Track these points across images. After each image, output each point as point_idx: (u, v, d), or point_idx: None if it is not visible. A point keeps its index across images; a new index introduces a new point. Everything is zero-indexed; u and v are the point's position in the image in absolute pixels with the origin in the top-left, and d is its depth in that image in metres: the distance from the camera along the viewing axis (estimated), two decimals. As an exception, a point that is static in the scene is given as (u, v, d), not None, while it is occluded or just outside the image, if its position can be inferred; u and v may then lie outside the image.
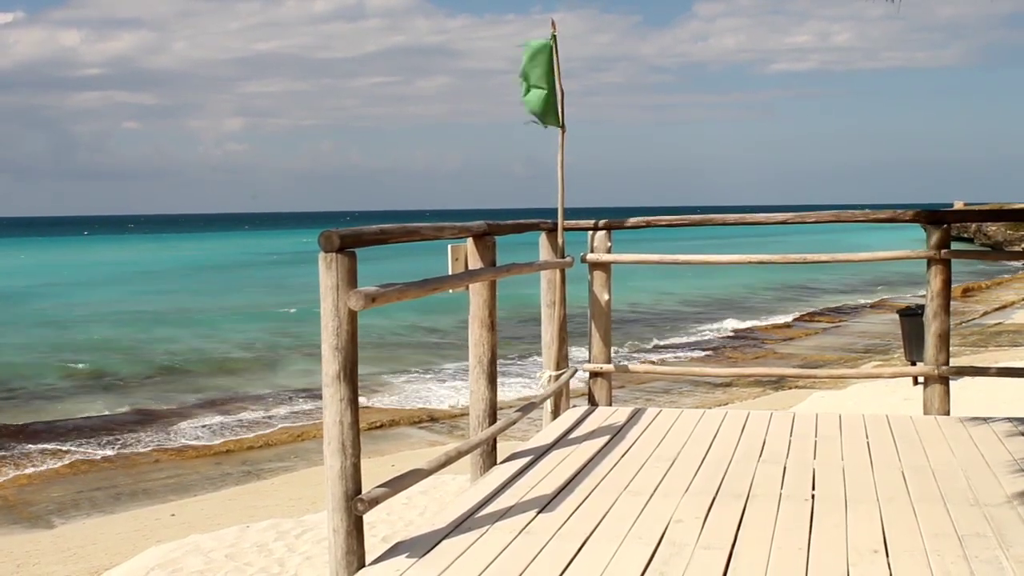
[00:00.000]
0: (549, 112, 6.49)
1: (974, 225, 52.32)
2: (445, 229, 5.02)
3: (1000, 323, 24.41)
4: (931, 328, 6.80)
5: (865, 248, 8.41)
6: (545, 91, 6.41)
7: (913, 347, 13.36)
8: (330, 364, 3.84)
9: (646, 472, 5.28)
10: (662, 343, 24.08)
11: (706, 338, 24.84)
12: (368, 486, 3.98)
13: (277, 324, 28.23)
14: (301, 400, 17.09)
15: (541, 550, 4.02)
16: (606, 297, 7.19)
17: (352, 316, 3.84)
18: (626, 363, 8.22)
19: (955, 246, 6.91)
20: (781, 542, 4.08)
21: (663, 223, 7.42)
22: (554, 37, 6.43)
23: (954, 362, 6.98)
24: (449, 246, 5.52)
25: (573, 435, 6.20)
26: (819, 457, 5.57)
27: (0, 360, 22.06)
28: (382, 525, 8.10)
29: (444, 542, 4.14)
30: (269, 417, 15.93)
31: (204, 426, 15.33)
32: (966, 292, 32.61)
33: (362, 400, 4.13)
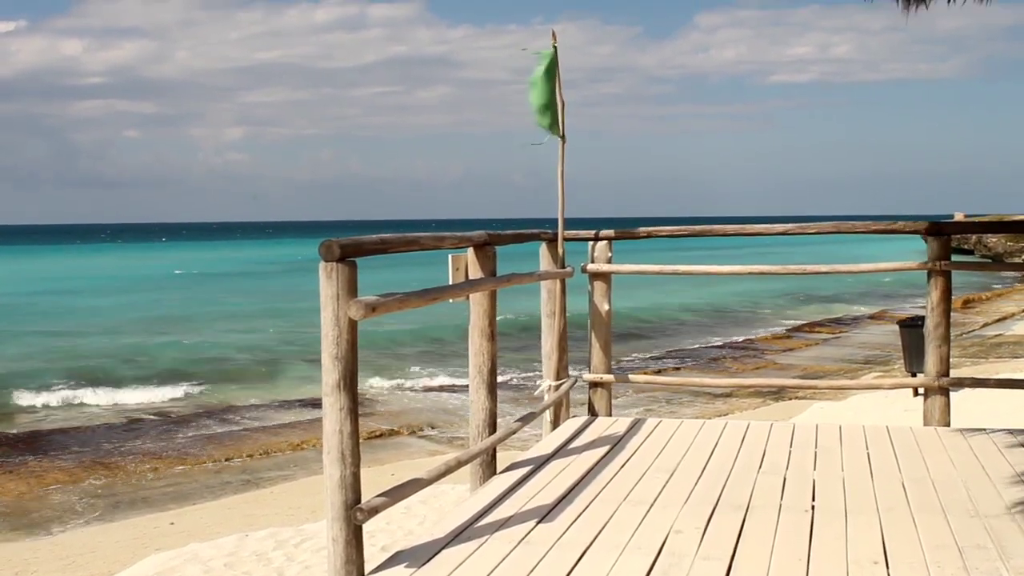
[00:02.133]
0: (547, 120, 6.50)
1: (974, 237, 52.33)
2: (445, 239, 5.03)
3: (1000, 335, 24.40)
4: (931, 339, 6.80)
5: (865, 259, 8.42)
6: (544, 100, 6.40)
7: (913, 358, 13.34)
8: (330, 373, 3.84)
9: (646, 482, 5.28)
10: (662, 353, 24.08)
11: (706, 348, 24.84)
12: (368, 495, 3.98)
13: (277, 333, 28.23)
14: (301, 409, 17.09)
15: (541, 560, 4.01)
16: (606, 307, 7.19)
17: (352, 325, 3.84)
18: (626, 373, 8.22)
19: (955, 258, 6.91)
20: (781, 553, 4.08)
21: (663, 233, 7.42)
22: (555, 48, 6.45)
23: (954, 373, 6.98)
24: (449, 256, 5.53)
25: (573, 445, 6.20)
26: (819, 468, 5.57)
27: (2, 367, 22.07)
28: (381, 534, 8.09)
29: (443, 552, 4.13)
30: (268, 426, 15.92)
31: (203, 434, 15.32)
32: (966, 303, 32.60)
33: (362, 409, 4.13)
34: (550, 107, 6.46)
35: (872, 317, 31.41)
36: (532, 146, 6.52)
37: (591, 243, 7.21)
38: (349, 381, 3.86)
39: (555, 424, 6.78)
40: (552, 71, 6.43)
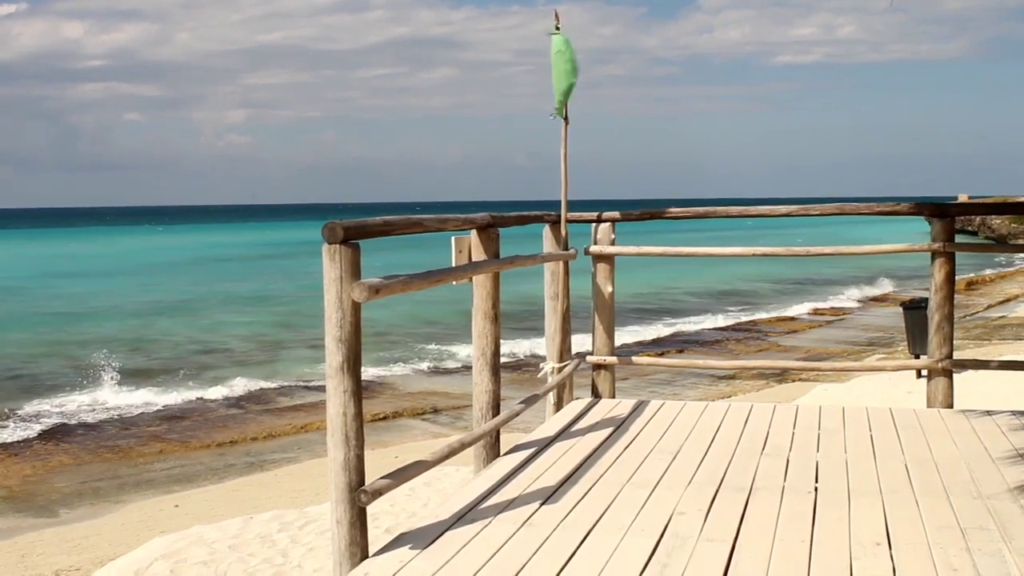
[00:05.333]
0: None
1: (978, 218, 52.21)
2: (449, 221, 5.02)
3: (1004, 316, 24.38)
4: (934, 321, 6.79)
5: (869, 241, 8.40)
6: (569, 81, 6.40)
7: (916, 340, 13.35)
8: (333, 356, 3.84)
9: (649, 464, 5.29)
10: (665, 335, 24.07)
11: (709, 330, 24.83)
12: (371, 477, 3.99)
13: (281, 315, 28.25)
14: (304, 391, 17.12)
15: (544, 542, 4.03)
16: (609, 289, 7.19)
17: (356, 308, 3.84)
18: (629, 355, 8.22)
19: (959, 239, 6.90)
20: (784, 534, 4.09)
21: (666, 215, 7.42)
22: (557, 29, 6.42)
23: (957, 355, 6.98)
24: (453, 238, 5.52)
25: (576, 427, 6.21)
26: (822, 450, 5.57)
27: (5, 351, 22.12)
28: (385, 516, 8.11)
29: (447, 533, 4.14)
30: (272, 408, 15.96)
31: (207, 417, 15.36)
32: (970, 285, 32.60)
33: (365, 392, 4.13)
34: (567, 88, 6.44)
35: (875, 299, 31.38)
36: (551, 119, 6.51)
37: (594, 225, 7.21)
38: (353, 363, 3.86)
39: (558, 406, 6.79)
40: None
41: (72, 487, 11.66)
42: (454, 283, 5.08)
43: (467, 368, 13.35)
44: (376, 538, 4.39)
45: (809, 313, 28.15)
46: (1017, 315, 24.42)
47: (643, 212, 7.37)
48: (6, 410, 15.66)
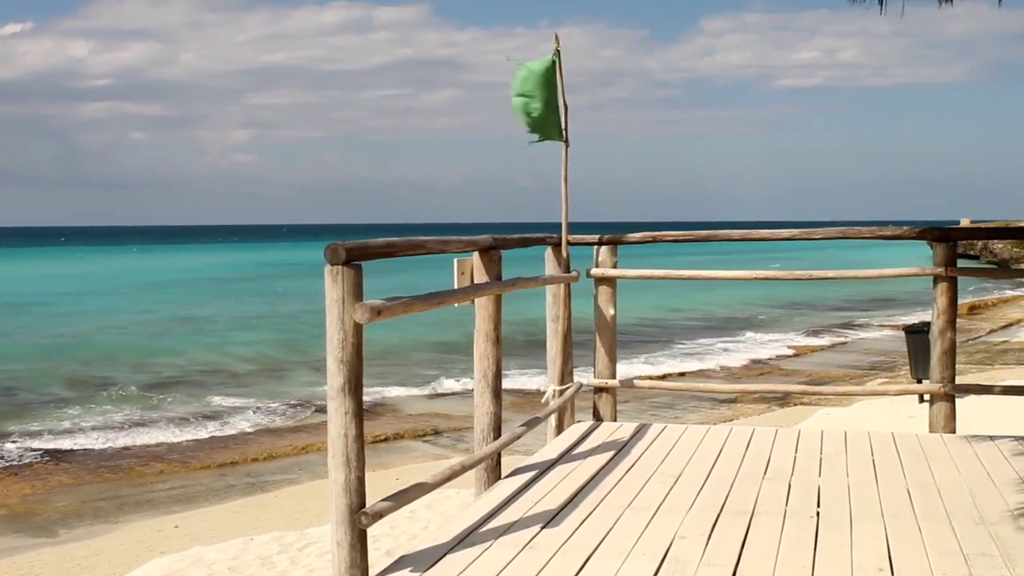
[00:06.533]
0: (548, 125, 6.47)
1: (980, 242, 52.22)
2: (451, 243, 5.03)
3: (1006, 341, 24.35)
4: (937, 346, 6.79)
5: (871, 265, 8.40)
6: (540, 105, 6.37)
7: (919, 364, 13.34)
8: (335, 377, 3.84)
9: (650, 488, 5.27)
10: (667, 358, 24.03)
11: (711, 354, 24.78)
12: (372, 499, 3.98)
13: (282, 336, 28.25)
14: (305, 413, 17.08)
15: (545, 566, 4.01)
16: (611, 312, 7.19)
17: (358, 329, 3.84)
18: (631, 378, 8.21)
19: (961, 263, 6.90)
20: (785, 560, 4.07)
21: (668, 238, 7.42)
22: (557, 51, 6.45)
23: (960, 380, 6.97)
24: (455, 260, 5.53)
25: (578, 450, 6.20)
26: (824, 474, 5.56)
27: (5, 368, 22.12)
28: (386, 539, 8.09)
29: (447, 556, 4.13)
30: (273, 429, 15.93)
31: (207, 438, 15.33)
32: (972, 310, 32.57)
33: (366, 413, 4.13)
34: (551, 112, 6.44)
35: (878, 323, 31.35)
36: (531, 144, 6.50)
37: (596, 247, 7.22)
38: (354, 385, 3.86)
39: (560, 429, 6.77)
40: (553, 76, 6.42)
41: (72, 507, 11.63)
42: (456, 305, 5.09)
43: (468, 390, 13.34)
44: (376, 560, 4.37)
45: (811, 337, 28.09)
46: (1020, 340, 24.39)
47: (645, 235, 7.37)
48: (5, 430, 15.64)
